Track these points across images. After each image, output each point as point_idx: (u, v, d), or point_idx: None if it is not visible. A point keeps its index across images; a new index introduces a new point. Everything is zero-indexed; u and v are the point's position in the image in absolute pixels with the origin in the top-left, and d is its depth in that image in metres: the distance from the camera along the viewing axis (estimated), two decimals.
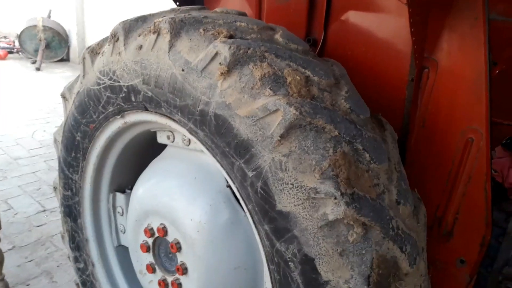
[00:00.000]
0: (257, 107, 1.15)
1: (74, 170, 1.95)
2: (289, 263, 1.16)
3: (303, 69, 1.20)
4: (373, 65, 1.58)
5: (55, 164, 2.02)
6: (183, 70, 1.28)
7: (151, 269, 1.74)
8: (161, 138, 1.69)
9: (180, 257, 1.59)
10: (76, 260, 2.15)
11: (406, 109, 1.54)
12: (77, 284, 2.22)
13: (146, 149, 1.89)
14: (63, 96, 1.90)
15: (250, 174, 1.19)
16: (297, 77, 1.17)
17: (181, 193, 1.57)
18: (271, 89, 1.15)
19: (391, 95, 1.55)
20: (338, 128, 1.13)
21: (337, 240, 1.08)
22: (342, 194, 1.06)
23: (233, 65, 1.19)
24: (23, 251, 3.28)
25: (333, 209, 1.06)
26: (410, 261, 1.14)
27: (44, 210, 3.92)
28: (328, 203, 1.07)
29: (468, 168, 1.46)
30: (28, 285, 2.90)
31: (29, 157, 5.19)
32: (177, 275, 1.62)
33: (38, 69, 9.65)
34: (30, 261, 3.17)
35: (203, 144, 1.33)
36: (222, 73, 1.20)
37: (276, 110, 1.12)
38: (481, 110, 1.39)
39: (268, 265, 1.25)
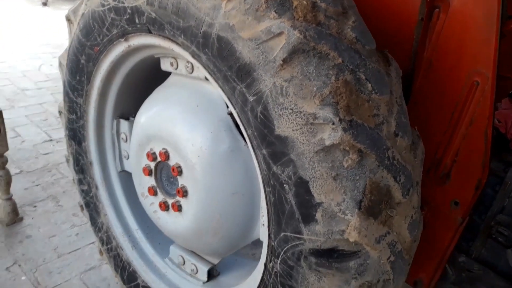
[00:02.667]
0: (261, 30, 1.13)
1: (79, 93, 1.97)
2: (284, 185, 1.19)
3: None
4: (383, 2, 1.53)
5: (61, 97, 2.04)
6: None
7: (152, 191, 1.80)
8: (165, 65, 1.69)
9: (181, 181, 1.64)
10: (80, 182, 2.22)
11: (414, 49, 1.51)
12: (81, 206, 2.30)
13: (150, 77, 1.89)
14: (68, 19, 1.88)
15: (251, 98, 1.20)
16: (304, 1, 1.14)
17: (183, 119, 1.58)
18: (276, 12, 1.13)
19: (400, 35, 1.52)
20: (342, 56, 1.12)
21: (332, 165, 1.10)
22: (340, 120, 1.07)
23: None
24: (30, 175, 3.38)
25: (330, 135, 1.08)
26: (403, 191, 1.17)
27: (51, 140, 4.00)
28: (326, 128, 1.09)
29: (470, 111, 1.45)
30: (35, 206, 3.02)
31: (36, 89, 5.22)
32: (177, 198, 1.68)
33: (45, 4, 9.46)
34: (37, 185, 3.28)
35: (205, 68, 1.32)
36: None
37: (280, 33, 1.11)
38: (489, 53, 1.37)
39: (264, 188, 1.29)
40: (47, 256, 2.58)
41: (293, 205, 1.19)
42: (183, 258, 1.97)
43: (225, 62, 1.23)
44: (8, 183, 2.70)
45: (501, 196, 1.77)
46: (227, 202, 1.55)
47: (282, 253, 1.28)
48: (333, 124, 1.07)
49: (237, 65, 1.20)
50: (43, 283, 2.39)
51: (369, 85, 1.13)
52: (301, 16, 1.13)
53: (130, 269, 2.10)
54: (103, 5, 1.59)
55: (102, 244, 2.23)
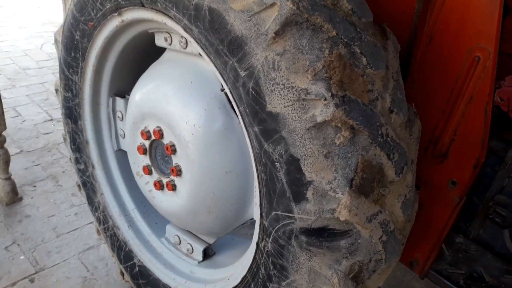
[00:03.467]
0: (253, 1, 1.09)
1: (74, 71, 1.94)
2: (276, 163, 1.17)
3: None
4: None
5: None
6: None
7: (147, 170, 1.78)
8: (159, 41, 1.65)
9: (175, 159, 1.62)
10: (77, 161, 2.21)
11: (414, 24, 1.46)
12: (78, 186, 2.30)
13: (146, 54, 1.86)
14: None
15: (242, 73, 1.16)
16: None
17: (176, 96, 1.56)
18: None
19: (400, 8, 1.47)
20: (337, 28, 1.08)
21: (323, 142, 1.08)
22: (332, 95, 1.03)
23: None
24: (30, 155, 3.38)
25: (322, 111, 1.05)
26: (396, 169, 1.14)
27: (51, 119, 3.99)
28: (317, 104, 1.05)
29: (470, 87, 1.41)
30: (34, 186, 3.02)
31: (38, 68, 5.19)
32: (171, 177, 1.66)
33: None
34: (37, 165, 3.28)
35: (197, 43, 1.29)
36: None
37: (273, 4, 1.06)
38: (491, 27, 1.32)
39: (256, 166, 1.26)
40: (46, 236, 2.59)
41: (284, 183, 1.17)
42: (179, 237, 1.96)
43: (217, 35, 1.19)
44: (6, 162, 2.69)
45: (501, 176, 1.75)
46: (221, 180, 1.53)
47: (273, 232, 1.26)
48: (325, 99, 1.04)
49: (229, 38, 1.16)
50: (41, 262, 2.40)
51: (364, 59, 1.10)
52: None
53: (127, 249, 2.10)
54: None
55: (99, 223, 2.23)
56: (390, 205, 1.18)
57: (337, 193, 1.08)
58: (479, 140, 1.44)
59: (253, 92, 1.15)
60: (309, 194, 1.13)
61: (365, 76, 1.10)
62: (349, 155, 1.08)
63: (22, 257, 2.42)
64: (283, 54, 1.07)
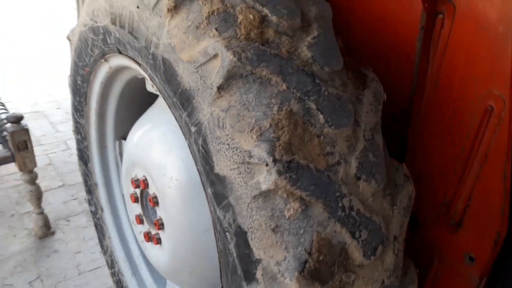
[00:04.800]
0: (199, 51, 0.98)
1: (80, 114, 1.95)
2: (226, 233, 1.02)
3: (261, 7, 0.99)
4: (381, 10, 1.29)
5: None
6: (138, 7, 1.14)
7: (139, 220, 1.70)
8: (148, 86, 1.59)
9: (158, 212, 1.52)
10: (89, 203, 2.21)
11: (416, 66, 1.25)
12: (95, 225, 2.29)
13: (145, 98, 1.81)
14: (69, 39, 1.87)
15: (192, 129, 1.04)
16: (250, 15, 0.97)
17: (158, 145, 1.47)
18: (217, 30, 0.97)
19: (399, 48, 1.27)
20: (288, 81, 0.92)
21: (271, 213, 0.91)
22: (275, 160, 0.87)
23: (181, 0, 1.02)
24: (70, 189, 3.50)
25: (266, 178, 0.89)
26: (365, 250, 0.93)
27: None
28: (262, 170, 0.90)
29: (484, 144, 1.16)
30: (68, 220, 3.10)
31: None
32: (157, 230, 1.56)
33: None
34: (75, 199, 3.37)
35: (160, 93, 1.20)
36: (169, 9, 1.03)
37: (216, 55, 0.94)
38: (505, 69, 1.08)
39: (214, 233, 1.12)
40: (69, 273, 2.61)
41: (235, 258, 1.01)
42: None
43: (170, 87, 1.09)
44: (38, 198, 2.79)
45: None
46: (199, 239, 1.40)
47: None
48: (267, 165, 0.88)
49: (179, 90, 1.05)
50: None
51: (321, 116, 0.92)
52: (243, 33, 0.96)
53: None
54: (84, 25, 1.54)
55: (108, 267, 2.19)
56: None
57: (285, 278, 0.90)
58: (498, 208, 1.17)
59: (202, 150, 1.02)
60: (258, 274, 0.96)
61: (322, 137, 0.92)
62: (302, 232, 0.90)
63: None
64: (228, 111, 0.94)
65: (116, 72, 1.59)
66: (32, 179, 2.70)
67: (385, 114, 1.38)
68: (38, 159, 3.88)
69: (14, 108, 4.39)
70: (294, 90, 0.92)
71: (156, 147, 1.48)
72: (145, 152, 1.53)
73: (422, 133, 1.31)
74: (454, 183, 1.26)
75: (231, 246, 1.01)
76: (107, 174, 2.08)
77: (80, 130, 2.02)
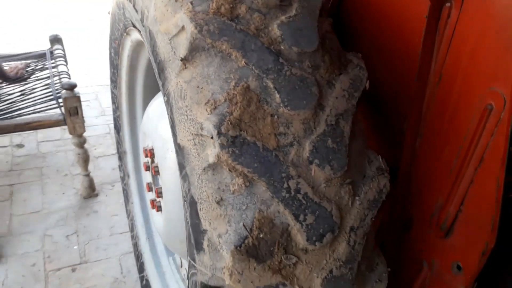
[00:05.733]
0: (172, 23, 1.00)
1: (115, 85, 2.08)
2: (184, 202, 1.04)
3: None
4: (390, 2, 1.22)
5: None
6: None
7: (148, 188, 1.79)
8: None
9: (159, 181, 1.59)
10: (119, 168, 2.36)
11: (419, 58, 1.17)
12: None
13: None
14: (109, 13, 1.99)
15: (165, 99, 1.08)
16: None
17: (161, 118, 1.53)
18: (191, 3, 0.98)
19: (405, 39, 1.19)
20: (248, 57, 0.92)
21: (218, 187, 0.92)
22: (219, 134, 0.87)
23: None
24: None
25: (211, 151, 0.90)
26: (309, 235, 0.90)
27: None
28: (210, 143, 0.91)
29: (481, 147, 1.06)
30: (113, 186, 3.31)
31: None
32: (157, 198, 1.64)
33: None
34: None
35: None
36: None
37: (183, 27, 0.96)
38: (509, 65, 0.97)
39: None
40: (102, 232, 2.81)
41: (189, 227, 1.03)
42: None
43: (154, 57, 1.13)
44: (85, 160, 3.02)
45: None
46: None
47: (188, 279, 1.12)
48: (212, 138, 0.88)
49: (157, 61, 1.09)
50: (88, 255, 2.61)
51: (278, 95, 0.90)
52: (214, 8, 0.96)
53: (141, 260, 2.14)
54: (114, 1, 1.64)
55: (130, 230, 2.33)
56: (304, 280, 0.94)
57: (223, 251, 0.91)
58: (489, 218, 1.07)
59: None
60: (205, 245, 0.97)
61: (276, 116, 0.90)
62: (244, 208, 0.90)
63: (75, 247, 2.67)
64: (190, 82, 0.96)
65: (137, 45, 1.68)
66: (81, 143, 2.92)
67: (388, 110, 1.33)
68: (100, 128, 4.23)
69: None
70: (253, 67, 0.91)
71: (160, 119, 1.54)
72: (153, 123, 1.60)
73: (425, 129, 1.23)
74: (448, 186, 1.17)
75: (187, 215, 1.04)
76: (135, 143, 2.20)
77: (114, 100, 2.15)
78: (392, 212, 1.34)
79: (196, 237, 1.00)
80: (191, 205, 0.99)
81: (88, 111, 4.40)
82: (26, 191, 3.16)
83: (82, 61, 5.38)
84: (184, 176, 1.01)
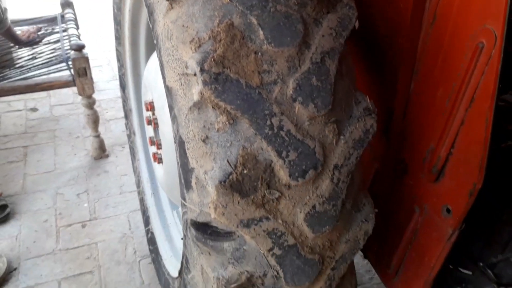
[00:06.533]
0: None
1: (119, 42, 2.09)
2: (174, 143, 1.07)
3: None
4: None
5: None
6: None
7: (151, 142, 1.82)
8: None
9: (159, 133, 1.62)
10: (126, 126, 2.40)
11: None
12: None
13: None
14: None
15: (155, 42, 1.09)
16: None
17: (159, 70, 1.54)
18: None
19: None
20: None
21: (203, 125, 0.94)
22: (202, 71, 0.88)
23: None
24: None
25: (196, 88, 0.91)
26: (292, 171, 0.92)
27: None
28: (194, 81, 0.92)
29: (471, 86, 1.05)
30: (123, 147, 3.37)
31: None
32: (159, 150, 1.67)
33: None
34: None
35: None
36: None
37: None
38: (500, 3, 0.94)
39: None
40: (112, 191, 2.89)
41: (179, 165, 1.06)
42: None
43: (145, 1, 1.14)
44: (95, 121, 3.07)
45: None
46: None
47: (182, 219, 1.17)
48: (195, 75, 0.90)
49: (147, 4, 1.09)
50: (97, 212, 2.69)
51: (261, 32, 0.90)
52: None
53: (147, 214, 2.20)
54: None
55: (136, 186, 2.39)
56: (288, 215, 0.96)
57: (209, 186, 0.93)
58: (478, 159, 1.07)
59: (159, 62, 1.07)
60: (193, 182, 1.00)
61: (260, 54, 0.91)
62: (229, 145, 0.92)
63: (85, 205, 2.75)
64: (176, 22, 0.96)
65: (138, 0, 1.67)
66: (90, 104, 2.97)
67: (382, 52, 1.31)
68: (111, 92, 4.26)
69: None
70: (237, 4, 0.91)
71: (159, 71, 1.55)
72: (152, 76, 1.61)
73: (419, 71, 1.22)
74: (440, 128, 1.16)
75: (177, 156, 1.06)
76: (139, 100, 2.23)
77: (119, 58, 2.17)
78: (385, 155, 1.35)
79: (185, 176, 1.03)
80: (180, 145, 1.02)
81: (100, 76, 4.45)
82: (39, 152, 3.25)
83: (95, 27, 5.40)
84: (173, 118, 1.03)
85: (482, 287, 1.46)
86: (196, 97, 0.91)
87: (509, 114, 1.35)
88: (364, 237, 1.10)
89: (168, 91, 1.03)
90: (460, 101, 1.08)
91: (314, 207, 0.97)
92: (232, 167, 0.91)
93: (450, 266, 1.43)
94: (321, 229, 0.99)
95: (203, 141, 0.94)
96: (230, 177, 0.92)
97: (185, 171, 1.02)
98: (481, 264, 1.32)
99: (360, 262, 2.43)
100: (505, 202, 1.51)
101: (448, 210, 1.18)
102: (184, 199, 1.07)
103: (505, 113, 1.29)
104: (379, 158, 1.41)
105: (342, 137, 0.99)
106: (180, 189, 1.11)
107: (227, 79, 0.89)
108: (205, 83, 0.88)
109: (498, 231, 1.39)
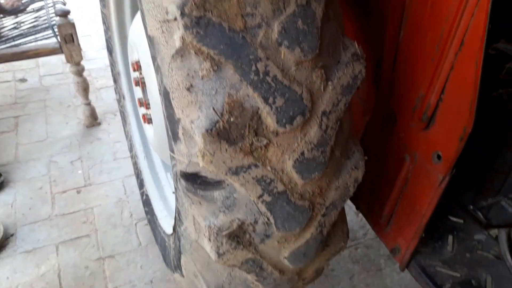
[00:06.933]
0: None
1: (104, 4, 2.03)
2: (160, 95, 1.05)
3: None
4: None
5: None
6: None
7: (139, 103, 1.80)
8: None
9: (147, 92, 1.60)
10: (115, 91, 2.37)
11: None
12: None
13: None
14: None
15: None
16: None
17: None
18: None
19: None
20: None
21: (187, 73, 0.92)
22: (182, 14, 0.86)
23: None
24: None
25: (177, 34, 0.88)
26: (279, 117, 0.91)
27: None
28: (175, 26, 0.89)
29: (461, 28, 1.03)
30: (115, 115, 3.34)
31: None
32: (147, 110, 1.66)
33: None
34: None
35: None
36: None
37: None
38: None
39: None
40: (105, 158, 2.88)
41: (166, 118, 1.05)
42: None
43: None
44: (85, 89, 3.02)
45: None
46: None
47: (172, 171, 1.16)
48: (175, 19, 0.87)
49: None
50: (92, 178, 2.70)
51: None
52: None
53: (141, 177, 2.21)
54: None
55: (129, 150, 2.38)
56: (277, 162, 0.96)
57: (196, 135, 0.92)
58: (468, 103, 1.06)
59: (141, 12, 1.04)
60: (180, 133, 0.99)
61: None
62: (214, 92, 0.90)
63: (80, 172, 2.75)
64: None
65: None
66: (79, 71, 2.92)
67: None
68: (100, 61, 4.18)
69: None
70: None
71: (143, 29, 1.51)
72: (137, 34, 1.57)
73: (409, 15, 1.19)
74: (430, 74, 1.15)
75: (163, 108, 1.05)
76: (127, 63, 2.19)
77: (105, 21, 2.11)
78: (376, 106, 1.34)
79: (172, 127, 1.02)
80: (165, 96, 1.00)
81: (89, 45, 4.36)
82: (30, 122, 3.21)
83: None
84: (157, 68, 1.01)
85: (473, 234, 1.49)
86: (178, 43, 0.89)
87: (500, 62, 1.33)
88: (354, 184, 1.10)
89: (150, 41, 1.00)
90: (450, 45, 1.06)
91: (302, 153, 0.96)
92: (218, 115, 0.90)
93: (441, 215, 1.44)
94: (310, 175, 0.99)
95: (188, 89, 0.92)
96: (217, 125, 0.90)
97: (172, 123, 1.01)
98: (471, 207, 1.33)
99: (354, 218, 2.46)
100: (496, 152, 1.51)
101: (439, 157, 1.19)
102: (172, 151, 1.07)
103: (496, 62, 1.27)
104: (370, 111, 1.40)
105: (330, 82, 0.97)
106: (168, 141, 1.10)
107: (209, 23, 0.86)
108: (186, 27, 0.86)
109: (489, 180, 1.40)
